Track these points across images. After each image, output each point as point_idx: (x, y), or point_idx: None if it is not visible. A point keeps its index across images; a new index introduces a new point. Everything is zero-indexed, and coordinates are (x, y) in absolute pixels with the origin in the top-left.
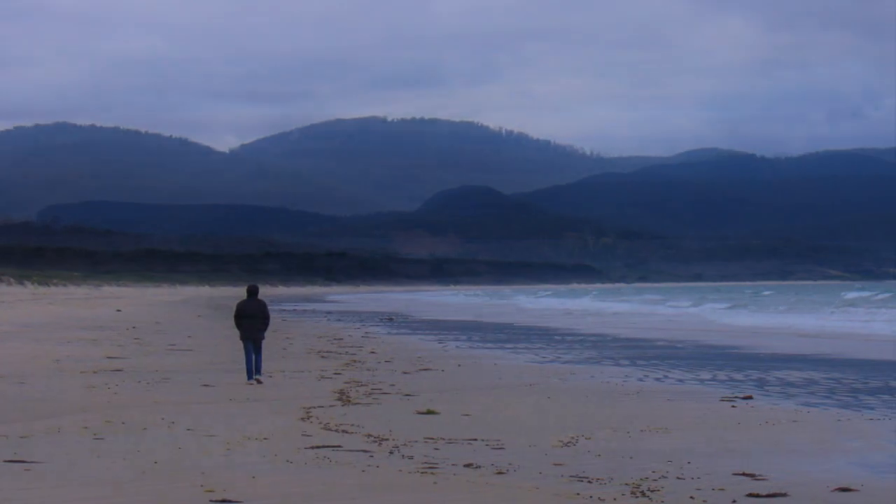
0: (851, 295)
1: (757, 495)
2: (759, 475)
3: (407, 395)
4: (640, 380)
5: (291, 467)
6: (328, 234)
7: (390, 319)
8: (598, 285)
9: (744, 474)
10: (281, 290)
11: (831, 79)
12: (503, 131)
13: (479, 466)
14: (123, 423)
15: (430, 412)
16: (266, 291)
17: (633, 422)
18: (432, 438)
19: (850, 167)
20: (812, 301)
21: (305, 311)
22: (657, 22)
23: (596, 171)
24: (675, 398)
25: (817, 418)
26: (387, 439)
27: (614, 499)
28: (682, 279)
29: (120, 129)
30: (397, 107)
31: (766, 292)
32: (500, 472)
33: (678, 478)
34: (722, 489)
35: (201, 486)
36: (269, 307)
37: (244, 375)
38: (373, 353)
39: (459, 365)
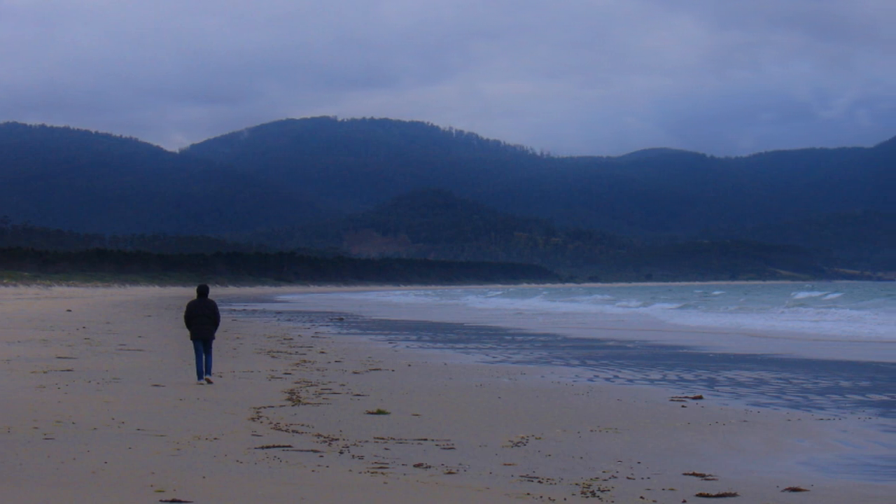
0: (801, 295)
1: (707, 495)
2: (709, 475)
3: (357, 395)
4: (591, 380)
5: (241, 467)
6: (278, 235)
7: (340, 319)
8: (548, 285)
9: (694, 474)
10: (231, 290)
11: (781, 79)
12: (453, 132)
13: (430, 466)
14: (74, 423)
15: (380, 412)
16: (216, 292)
17: (584, 422)
18: (382, 438)
19: (800, 167)
20: (762, 301)
21: (255, 311)
22: (607, 22)
23: (546, 171)
24: (625, 398)
25: (767, 418)
26: (337, 439)
27: (565, 499)
28: (633, 279)
29: (70, 129)
30: (348, 107)
31: (717, 292)
32: (450, 472)
33: (628, 478)
34: (672, 489)
35: (151, 486)
36: (219, 307)
37: (194, 375)
38: (323, 353)
39: (410, 365)
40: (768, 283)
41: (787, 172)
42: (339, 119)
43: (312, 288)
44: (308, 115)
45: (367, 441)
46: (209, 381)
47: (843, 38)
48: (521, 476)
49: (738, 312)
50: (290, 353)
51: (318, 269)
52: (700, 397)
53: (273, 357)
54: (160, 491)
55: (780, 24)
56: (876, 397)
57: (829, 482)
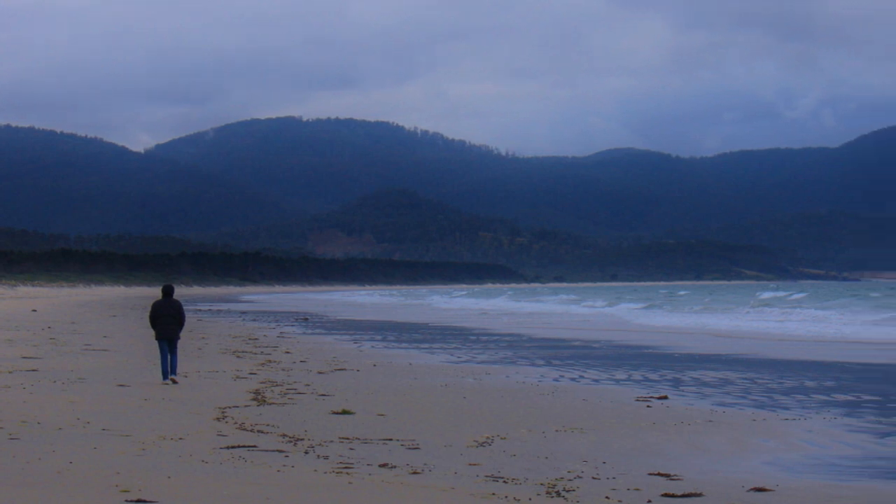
0: (766, 295)
1: (672, 495)
2: (675, 475)
3: (322, 395)
4: (556, 380)
5: (207, 467)
6: (243, 235)
7: (305, 319)
8: (514, 285)
9: (659, 474)
10: (196, 290)
11: (746, 79)
12: (418, 132)
13: (395, 466)
14: (39, 423)
15: (345, 412)
16: (181, 291)
17: (549, 422)
18: (347, 438)
19: (765, 167)
20: (727, 301)
21: (220, 311)
22: (572, 21)
23: (511, 171)
24: (590, 398)
25: (732, 418)
26: (302, 439)
27: (530, 499)
28: (598, 279)
29: (35, 129)
30: (314, 107)
31: (682, 292)
32: (415, 472)
33: (593, 478)
34: (637, 489)
35: (116, 485)
36: (184, 307)
37: (159, 375)
38: (288, 353)
39: (374, 365)
40: (733, 283)
41: (752, 172)
42: (305, 119)
43: (277, 288)
44: (273, 116)
45: (332, 441)
46: (174, 381)
47: (807, 38)
48: (486, 476)
49: (703, 312)
50: (256, 354)
51: (283, 269)
52: (665, 397)
53: (238, 357)
54: (125, 491)
55: (745, 24)
56: (841, 397)
57: (794, 482)
